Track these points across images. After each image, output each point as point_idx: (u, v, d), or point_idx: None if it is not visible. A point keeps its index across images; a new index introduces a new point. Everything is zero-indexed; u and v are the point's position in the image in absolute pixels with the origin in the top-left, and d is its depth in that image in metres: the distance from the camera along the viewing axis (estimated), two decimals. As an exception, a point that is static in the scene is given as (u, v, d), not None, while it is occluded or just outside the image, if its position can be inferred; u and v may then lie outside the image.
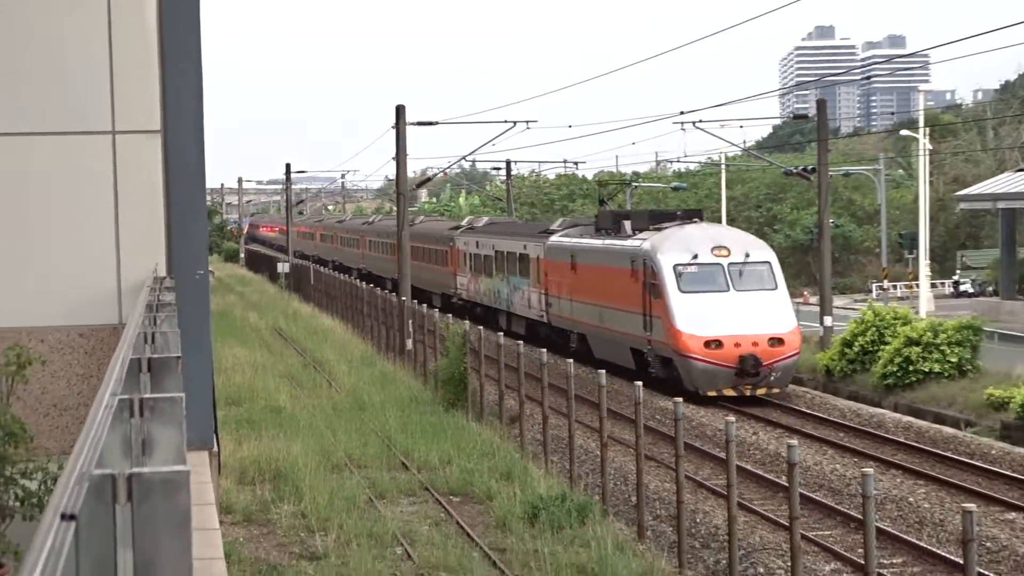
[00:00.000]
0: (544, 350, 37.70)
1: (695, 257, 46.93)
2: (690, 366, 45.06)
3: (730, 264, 47.12)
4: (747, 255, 47.57)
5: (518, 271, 64.61)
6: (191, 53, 14.39)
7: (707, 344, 44.77)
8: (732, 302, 46.37)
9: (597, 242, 56.20)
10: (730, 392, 44.58)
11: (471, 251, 73.28)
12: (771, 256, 49.24)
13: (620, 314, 50.61)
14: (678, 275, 46.42)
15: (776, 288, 47.13)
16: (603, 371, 31.53)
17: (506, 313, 67.75)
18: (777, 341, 45.05)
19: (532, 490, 29.11)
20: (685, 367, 45.51)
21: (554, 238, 60.66)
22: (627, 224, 54.90)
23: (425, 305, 56.73)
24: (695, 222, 53.64)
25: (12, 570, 6.97)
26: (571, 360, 35.03)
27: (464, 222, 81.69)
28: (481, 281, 71.33)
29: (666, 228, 51.04)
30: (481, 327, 44.77)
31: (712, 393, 44.37)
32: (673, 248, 48.02)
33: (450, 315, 50.12)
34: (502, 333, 42.87)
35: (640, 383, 28.83)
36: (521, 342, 40.32)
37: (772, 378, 45.03)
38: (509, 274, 65.95)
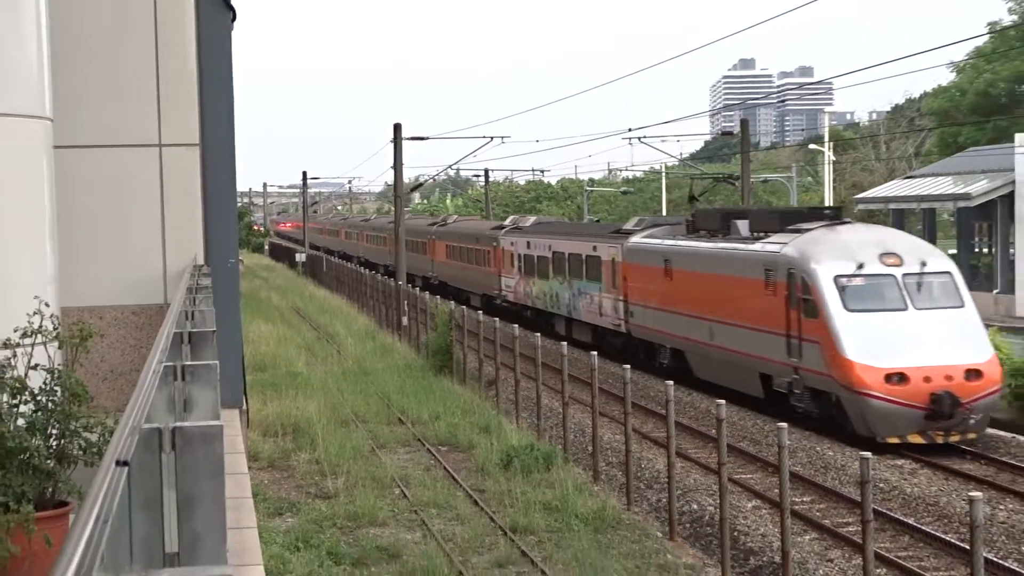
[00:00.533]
0: (516, 325, 37.51)
1: (860, 267, 32.36)
2: (866, 405, 29.75)
3: (905, 276, 32.54)
4: (923, 264, 32.93)
5: (584, 274, 49.37)
6: (224, 80, 14.46)
7: (888, 378, 29.95)
8: (913, 324, 32.02)
9: (704, 245, 39.67)
10: (917, 439, 29.39)
11: (520, 252, 57.76)
12: (951, 265, 34.39)
13: (745, 333, 35.26)
14: (841, 289, 31.95)
15: (963, 305, 32.31)
16: (564, 343, 31.46)
17: (565, 319, 52.61)
18: (974, 373, 30.31)
19: (506, 441, 29.14)
20: (858, 406, 30.03)
21: (636, 239, 44.87)
22: (742, 225, 38.42)
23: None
24: (847, 223, 38.09)
25: (76, 507, 6.99)
26: (538, 334, 34.92)
27: (508, 222, 65.73)
28: (533, 283, 56.14)
29: (810, 230, 35.36)
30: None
31: (894, 440, 29.28)
32: (831, 255, 33.22)
33: (497, 319, 39.18)
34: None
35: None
36: (497, 319, 40.04)
37: (971, 422, 29.86)
38: (572, 277, 50.84)
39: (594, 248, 48.80)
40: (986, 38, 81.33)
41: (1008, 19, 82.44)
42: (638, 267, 43.72)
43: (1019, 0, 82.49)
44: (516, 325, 37.96)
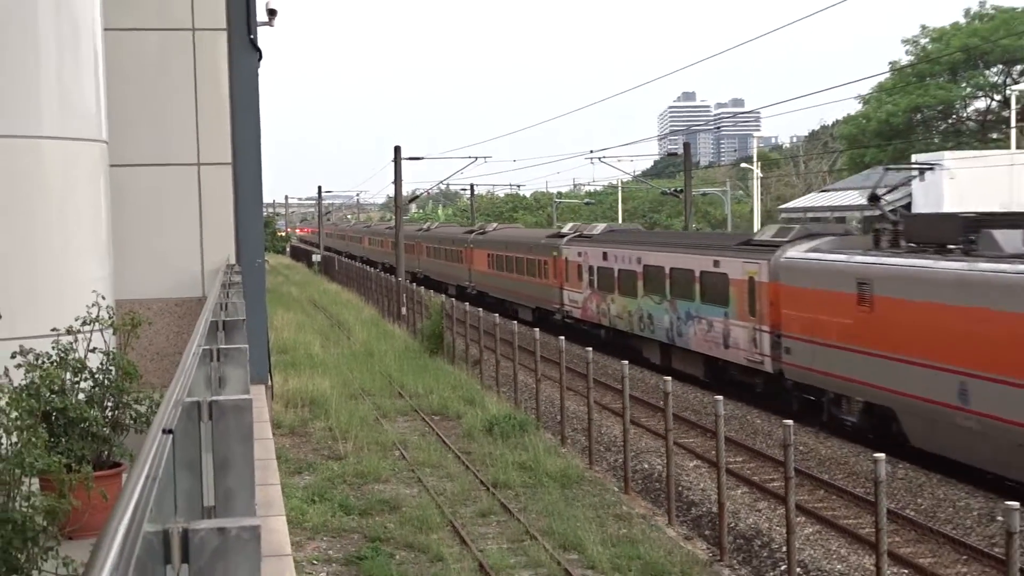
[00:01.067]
0: (496, 314, 37.62)
1: None
2: None
3: None
4: None
5: (698, 295, 34.41)
6: (251, 109, 14.42)
7: None
8: None
9: (945, 265, 23.61)
10: None
11: (593, 263, 42.41)
12: None
13: None
14: None
15: None
16: (536, 328, 31.41)
17: (662, 345, 36.77)
18: None
19: (488, 411, 29.16)
20: None
21: (795, 254, 29.19)
22: (1007, 237, 22.88)
23: (517, 323, 36.52)
24: None
25: (128, 467, 6.98)
26: (515, 321, 34.97)
27: (568, 228, 50.79)
28: (612, 301, 40.63)
29: None
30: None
31: None
32: None
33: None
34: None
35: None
36: (481, 309, 40.04)
37: None
38: (676, 297, 35.63)
39: (715, 263, 33.23)
40: (887, 75, 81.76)
41: (906, 59, 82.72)
42: (803, 291, 28.33)
43: (914, 43, 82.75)
44: (496, 315, 37.82)
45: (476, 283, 61.29)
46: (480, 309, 39.80)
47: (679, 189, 64.74)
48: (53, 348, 7.44)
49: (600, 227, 48.19)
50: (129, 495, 2.44)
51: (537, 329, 31.41)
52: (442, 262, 68.43)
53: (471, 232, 65.83)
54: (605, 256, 42.06)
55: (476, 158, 72.27)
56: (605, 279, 41.63)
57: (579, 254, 44.65)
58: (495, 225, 68.06)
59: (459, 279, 63.25)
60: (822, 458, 24.17)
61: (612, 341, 40.84)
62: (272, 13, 23.34)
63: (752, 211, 71.80)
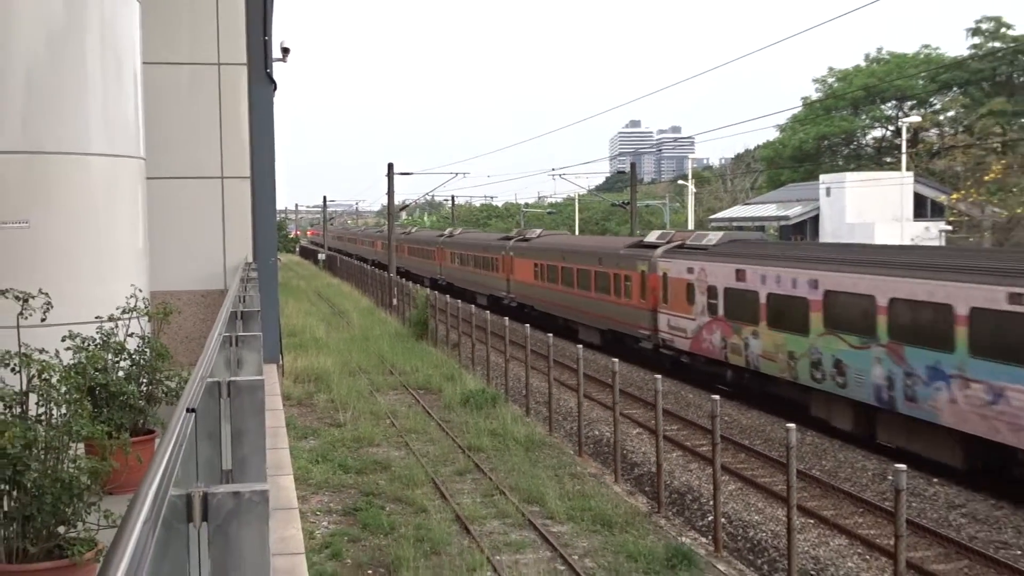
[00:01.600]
0: (473, 306, 37.56)
1: None
2: None
3: None
4: None
5: (966, 343, 18.12)
6: (267, 131, 14.38)
7: None
8: None
9: None
10: None
11: (718, 283, 28.14)
12: None
13: None
14: None
15: None
16: (506, 317, 31.44)
17: (868, 407, 21.47)
18: None
19: (464, 386, 29.16)
20: None
21: None
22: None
23: (489, 312, 33.61)
24: None
25: (160, 435, 6.94)
26: (488, 311, 34.98)
27: (657, 236, 34.93)
28: (753, 335, 25.96)
29: None
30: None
31: None
32: None
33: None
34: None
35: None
36: (460, 301, 39.84)
37: None
38: (907, 342, 19.82)
39: (1013, 297, 17.39)
40: (800, 108, 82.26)
41: (815, 95, 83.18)
42: None
43: (823, 82, 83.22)
44: (472, 305, 37.69)
45: (516, 293, 47.87)
46: (459, 301, 39.72)
47: (626, 202, 64.92)
48: (97, 333, 7.41)
49: (714, 236, 31.71)
50: (160, 459, 2.45)
51: (507, 318, 31.30)
52: (472, 270, 56.54)
53: (508, 239, 51.68)
54: (741, 275, 26.87)
55: (457, 173, 72.59)
56: (740, 305, 26.69)
57: (689, 270, 29.79)
58: (540, 231, 51.84)
59: (494, 289, 51.19)
60: (743, 427, 24.24)
61: (748, 385, 26.85)
62: (286, 51, 23.26)
63: (687, 221, 71.83)
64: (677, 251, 31.25)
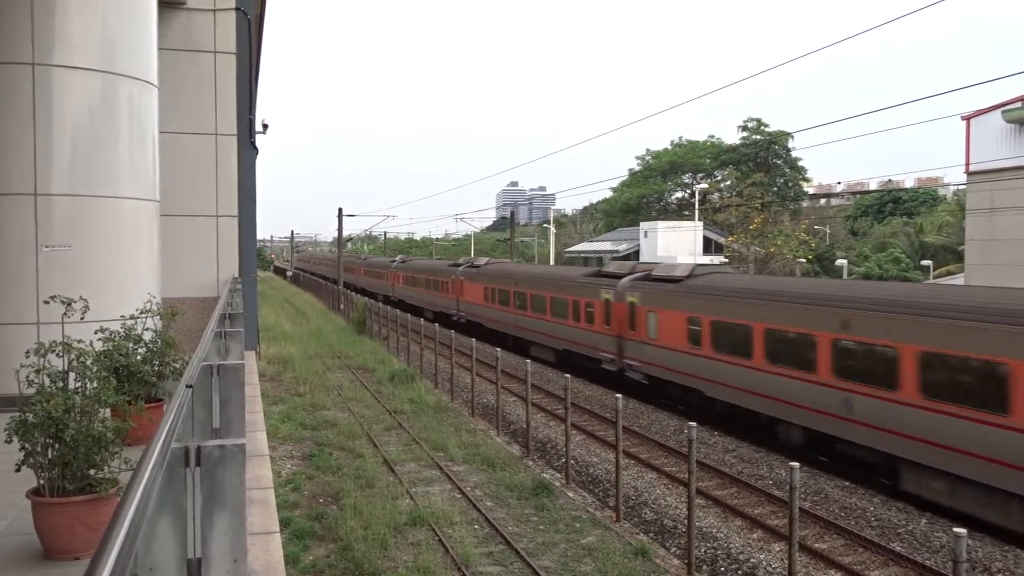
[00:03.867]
0: (399, 310, 37.24)
1: None
2: None
3: None
4: None
5: None
6: (251, 183, 14.07)
7: None
8: None
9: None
10: None
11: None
12: None
13: None
14: None
15: None
16: (421, 318, 31.24)
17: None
18: None
19: (391, 367, 28.89)
20: None
21: None
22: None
23: (410, 315, 30.54)
24: None
25: (167, 402, 6.75)
26: (408, 314, 34.79)
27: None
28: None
29: None
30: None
31: None
32: None
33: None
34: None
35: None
36: (389, 307, 39.40)
37: None
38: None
39: None
40: (627, 176, 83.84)
41: (636, 167, 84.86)
42: None
43: (642, 158, 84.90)
44: (398, 310, 37.36)
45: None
46: (388, 307, 39.26)
47: (507, 238, 65.25)
48: (121, 328, 7.18)
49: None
50: (166, 420, 2.40)
51: (421, 319, 31.05)
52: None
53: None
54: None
55: (387, 216, 72.67)
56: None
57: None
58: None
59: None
60: (587, 397, 24.46)
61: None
62: (265, 127, 22.94)
63: (549, 253, 72.47)
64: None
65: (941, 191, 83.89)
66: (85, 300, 6.22)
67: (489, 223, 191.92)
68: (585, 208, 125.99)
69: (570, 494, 15.51)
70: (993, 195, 35.24)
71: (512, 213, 64.43)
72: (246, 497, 2.70)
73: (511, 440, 20.17)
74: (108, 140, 9.00)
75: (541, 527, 13.74)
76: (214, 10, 12.82)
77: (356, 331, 41.67)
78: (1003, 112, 35.20)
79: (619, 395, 15.30)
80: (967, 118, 36.32)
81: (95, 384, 5.18)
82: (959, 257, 47.78)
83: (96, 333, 6.55)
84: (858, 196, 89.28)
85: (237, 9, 13.00)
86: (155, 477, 1.93)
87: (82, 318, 6.15)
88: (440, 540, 12.85)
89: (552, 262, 67.08)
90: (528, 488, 15.48)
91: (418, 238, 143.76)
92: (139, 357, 6.98)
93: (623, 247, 64.89)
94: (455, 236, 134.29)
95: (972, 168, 36.34)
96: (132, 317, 7.51)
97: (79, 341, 5.45)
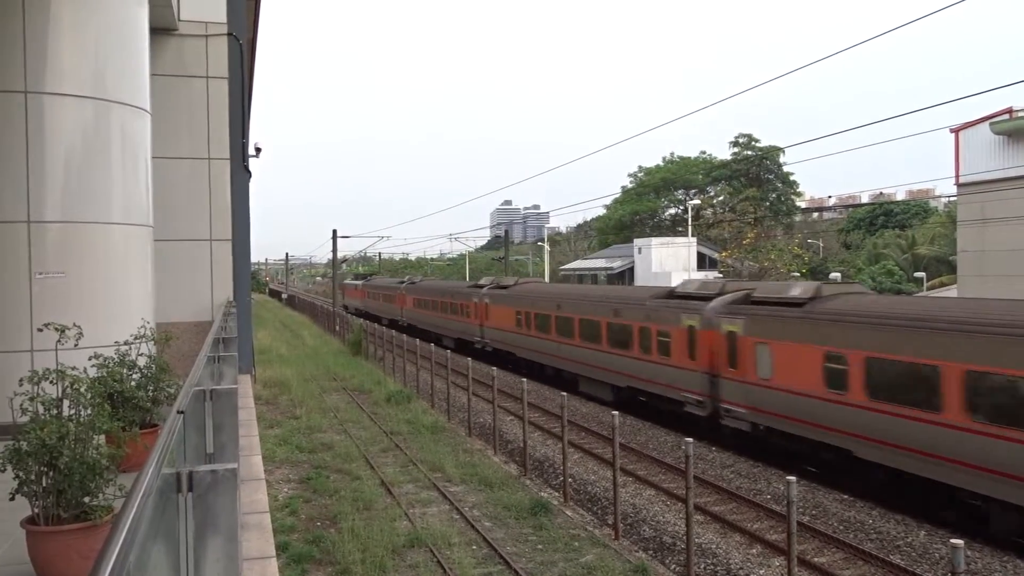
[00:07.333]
0: (398, 332, 37.18)
1: None
2: None
3: None
4: None
5: None
6: (243, 207, 14.05)
7: None
8: None
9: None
10: None
11: None
12: None
13: None
14: None
15: None
16: (416, 338, 31.22)
17: None
18: None
19: (388, 388, 28.80)
20: None
21: None
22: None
23: (405, 335, 29.79)
24: None
25: (161, 428, 6.72)
26: (396, 331, 34.64)
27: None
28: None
29: None
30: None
31: None
32: None
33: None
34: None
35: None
36: (386, 328, 39.33)
37: None
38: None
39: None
40: (620, 193, 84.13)
41: (630, 184, 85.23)
42: None
43: (635, 175, 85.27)
44: (392, 330, 37.32)
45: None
46: (383, 327, 39.24)
47: (502, 257, 65.35)
48: (116, 353, 7.16)
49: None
50: (160, 446, 2.40)
51: (417, 339, 31.01)
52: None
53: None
54: None
55: (382, 237, 72.67)
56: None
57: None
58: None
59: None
60: (583, 415, 24.41)
61: None
62: (258, 150, 22.98)
63: (544, 271, 72.51)
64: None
65: (932, 203, 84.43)
66: (79, 327, 6.20)
67: (484, 242, 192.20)
68: (579, 226, 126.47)
69: (568, 512, 15.44)
70: (984, 206, 35.44)
71: (506, 232, 64.78)
72: (241, 522, 2.70)
73: (508, 459, 20.10)
74: (101, 167, 9.02)
75: (540, 546, 13.67)
76: (206, 36, 12.89)
77: (352, 352, 41.59)
78: (991, 124, 35.48)
79: (615, 412, 15.27)
80: (956, 130, 36.58)
81: (89, 411, 5.16)
82: (951, 268, 47.95)
83: (90, 359, 6.54)
84: (850, 209, 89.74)
85: (229, 34, 13.07)
86: (146, 504, 1.93)
87: (76, 345, 6.13)
88: (439, 562, 12.78)
89: (547, 279, 67.11)
90: (526, 507, 15.42)
91: (413, 258, 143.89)
92: (133, 383, 6.96)
93: (617, 264, 65.02)
94: (449, 256, 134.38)
95: (962, 180, 36.56)
96: (126, 343, 7.49)
97: (73, 368, 5.45)
